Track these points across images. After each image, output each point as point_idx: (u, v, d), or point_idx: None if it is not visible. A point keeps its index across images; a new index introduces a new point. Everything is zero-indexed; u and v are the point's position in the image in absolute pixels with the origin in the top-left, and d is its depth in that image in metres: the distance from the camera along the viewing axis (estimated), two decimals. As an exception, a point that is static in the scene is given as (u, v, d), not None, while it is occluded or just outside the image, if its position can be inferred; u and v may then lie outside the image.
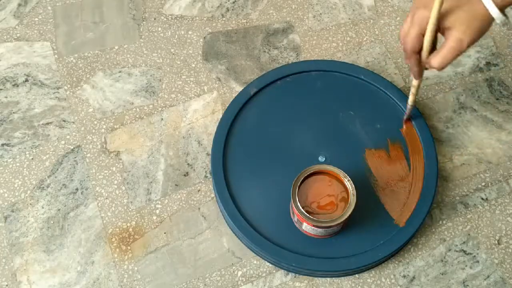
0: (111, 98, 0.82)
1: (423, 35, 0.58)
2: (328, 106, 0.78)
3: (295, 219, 0.68)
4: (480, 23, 0.56)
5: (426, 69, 0.62)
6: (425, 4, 0.57)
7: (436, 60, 0.59)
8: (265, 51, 0.86)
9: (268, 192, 0.73)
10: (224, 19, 0.89)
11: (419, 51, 0.60)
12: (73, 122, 0.80)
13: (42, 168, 0.77)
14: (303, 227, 0.68)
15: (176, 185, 0.76)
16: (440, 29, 0.58)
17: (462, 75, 0.84)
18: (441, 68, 0.59)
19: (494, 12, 0.55)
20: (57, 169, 0.77)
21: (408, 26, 0.59)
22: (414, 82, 0.67)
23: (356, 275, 0.71)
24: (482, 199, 0.75)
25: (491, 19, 0.56)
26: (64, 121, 0.80)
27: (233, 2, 0.90)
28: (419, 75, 0.64)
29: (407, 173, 0.73)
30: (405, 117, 0.75)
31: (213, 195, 0.75)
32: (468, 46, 0.57)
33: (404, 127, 0.76)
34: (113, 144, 0.79)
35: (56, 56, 0.85)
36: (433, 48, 0.60)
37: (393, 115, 0.77)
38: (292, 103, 0.78)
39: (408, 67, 0.63)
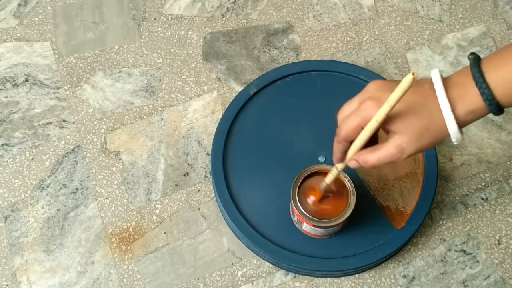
0: (111, 98, 0.82)
1: (362, 128, 0.51)
2: (328, 106, 0.78)
3: (295, 219, 0.68)
4: (431, 137, 0.50)
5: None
6: (377, 96, 0.50)
7: (370, 157, 0.52)
8: (265, 51, 0.86)
9: (268, 192, 0.73)
10: (224, 19, 0.89)
11: (350, 141, 0.54)
12: (73, 122, 0.80)
13: (42, 168, 0.77)
14: (303, 227, 0.68)
15: (176, 185, 0.76)
16: (384, 128, 0.51)
17: (462, 75, 0.84)
18: (370, 167, 0.53)
19: (453, 130, 0.48)
20: (57, 169, 0.77)
21: (350, 113, 0.52)
22: (340, 166, 0.58)
23: (356, 275, 0.71)
24: (482, 199, 0.75)
25: (446, 135, 0.49)
26: (64, 121, 0.80)
27: (233, 2, 0.90)
28: (341, 161, 0.57)
29: (407, 173, 0.73)
30: (321, 193, 0.64)
31: (213, 195, 0.75)
32: (408, 157, 0.51)
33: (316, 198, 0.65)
34: (113, 144, 0.79)
35: (56, 56, 0.85)
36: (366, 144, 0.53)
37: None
38: (292, 103, 0.78)
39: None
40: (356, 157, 0.54)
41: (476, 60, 0.48)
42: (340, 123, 0.54)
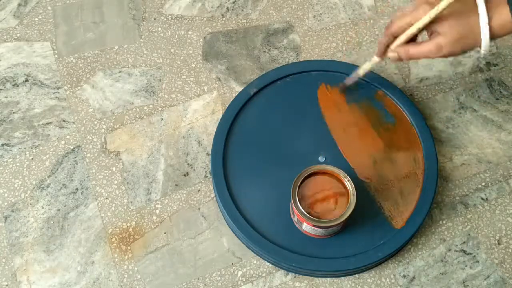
0: (111, 98, 0.82)
1: (411, 25, 0.60)
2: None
3: (295, 219, 0.68)
4: (465, 43, 0.58)
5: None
6: (431, 1, 0.58)
7: (410, 49, 0.61)
8: (265, 51, 0.86)
9: (268, 192, 0.73)
10: (224, 19, 0.89)
11: (396, 36, 0.62)
12: (73, 122, 0.80)
13: (42, 168, 0.77)
14: (303, 227, 0.68)
15: (176, 185, 0.76)
16: (428, 29, 0.60)
17: (462, 75, 0.84)
18: (407, 57, 0.61)
19: (485, 42, 0.57)
20: (57, 169, 0.77)
21: (404, 14, 0.61)
22: (375, 59, 0.67)
23: (356, 275, 0.71)
24: (482, 199, 0.75)
25: (478, 43, 0.58)
26: (64, 121, 0.80)
27: (233, 2, 0.90)
28: (382, 54, 0.66)
29: (407, 173, 0.73)
30: (346, 82, 0.75)
31: (213, 195, 0.75)
32: (442, 57, 0.59)
33: (339, 88, 0.76)
34: (113, 144, 0.79)
35: (56, 56, 0.85)
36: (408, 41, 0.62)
37: (393, 116, 0.77)
38: (292, 103, 0.78)
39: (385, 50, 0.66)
40: (398, 49, 0.62)
41: None
42: (393, 19, 0.62)
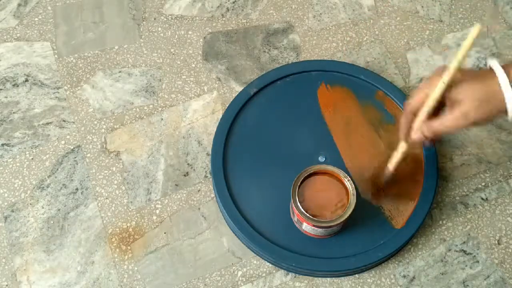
0: (111, 98, 0.82)
1: (427, 96, 0.56)
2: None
3: (295, 219, 0.68)
4: (491, 108, 0.53)
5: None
6: (442, 71, 0.56)
7: (434, 123, 0.56)
8: (265, 51, 0.86)
9: (268, 192, 0.73)
10: (224, 19, 0.89)
11: (415, 113, 0.57)
12: (73, 122, 0.80)
13: (42, 168, 0.77)
14: (303, 227, 0.68)
15: (176, 185, 0.76)
16: (448, 100, 0.55)
17: (462, 75, 0.84)
18: (432, 134, 0.56)
19: (510, 103, 0.52)
20: (57, 169, 0.77)
21: (420, 87, 0.57)
22: (403, 145, 0.62)
23: (356, 275, 0.71)
24: (482, 199, 0.75)
25: (503, 109, 0.53)
26: (64, 121, 0.80)
27: (233, 2, 0.90)
28: (407, 138, 0.60)
29: (407, 173, 0.73)
30: (384, 183, 0.70)
31: (213, 195, 0.75)
32: (470, 124, 0.54)
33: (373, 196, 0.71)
34: (113, 144, 0.79)
35: (56, 56, 0.85)
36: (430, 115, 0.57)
37: (393, 116, 0.77)
38: (292, 103, 0.78)
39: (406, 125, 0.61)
40: (421, 127, 0.57)
41: None
42: (411, 94, 0.58)
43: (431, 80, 0.56)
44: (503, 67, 0.54)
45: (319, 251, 0.69)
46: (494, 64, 0.54)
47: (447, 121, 0.55)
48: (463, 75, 0.54)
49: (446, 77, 0.54)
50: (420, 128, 0.57)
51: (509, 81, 0.52)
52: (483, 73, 0.55)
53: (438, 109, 0.57)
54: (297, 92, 0.79)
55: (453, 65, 0.54)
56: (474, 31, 0.53)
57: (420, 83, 0.58)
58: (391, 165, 0.65)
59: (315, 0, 0.90)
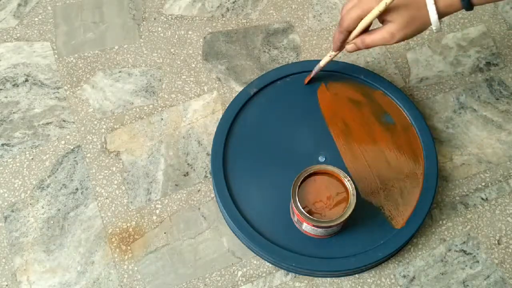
0: (111, 98, 0.82)
1: (361, 19, 0.63)
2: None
3: (295, 219, 0.68)
4: (416, 25, 0.61)
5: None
6: None
7: (366, 38, 0.63)
8: (265, 51, 0.86)
9: (268, 192, 0.73)
10: (224, 19, 0.89)
11: (350, 30, 0.65)
12: (73, 122, 0.80)
13: (42, 168, 0.77)
14: (303, 227, 0.68)
15: (176, 185, 0.76)
16: (380, 18, 0.62)
17: (462, 75, 0.84)
18: (364, 47, 0.64)
19: (434, 20, 0.60)
20: (57, 169, 0.77)
21: (352, 6, 0.63)
22: (333, 53, 0.70)
23: (356, 275, 0.71)
24: (482, 199, 0.75)
25: (428, 24, 0.61)
26: (64, 121, 0.80)
27: (233, 2, 0.90)
28: (340, 49, 0.68)
29: (407, 173, 0.73)
30: (310, 76, 0.78)
31: (213, 195, 0.75)
32: (397, 42, 0.62)
33: (305, 81, 0.79)
34: (113, 144, 0.79)
35: (56, 56, 0.85)
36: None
37: (393, 115, 0.77)
38: (292, 103, 0.78)
39: (342, 44, 0.68)
40: (354, 40, 0.65)
41: None
42: (342, 15, 0.64)
43: (364, 2, 0.62)
44: None
45: (319, 251, 0.69)
46: None
47: (377, 38, 0.63)
48: (397, 1, 0.60)
49: (382, 6, 0.59)
50: (354, 42, 0.65)
51: (434, 0, 0.59)
52: None
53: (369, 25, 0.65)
54: (297, 92, 0.79)
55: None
56: None
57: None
58: (322, 62, 0.73)
59: (315, 0, 0.90)
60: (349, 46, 0.66)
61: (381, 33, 0.63)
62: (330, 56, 0.71)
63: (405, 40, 0.64)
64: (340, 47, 0.68)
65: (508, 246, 0.72)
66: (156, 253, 0.72)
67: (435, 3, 0.60)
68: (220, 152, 0.74)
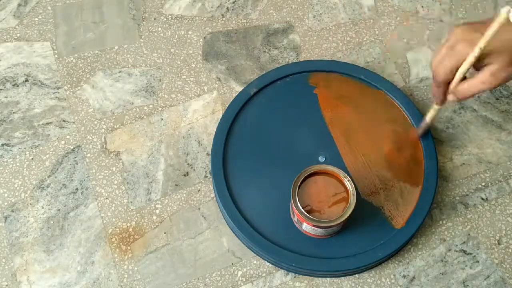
0: (111, 98, 0.82)
1: (457, 68, 0.58)
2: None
3: (295, 219, 0.68)
4: None
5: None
6: (468, 39, 0.57)
7: (464, 86, 0.59)
8: (265, 51, 0.86)
9: (268, 192, 0.73)
10: (224, 19, 0.89)
11: (449, 82, 0.61)
12: (73, 122, 0.80)
13: (42, 168, 0.77)
14: (303, 227, 0.68)
15: (176, 185, 0.76)
16: (477, 65, 0.58)
17: (462, 75, 0.84)
18: (464, 97, 0.60)
19: None
20: (57, 169, 0.77)
21: (443, 56, 0.59)
22: (436, 107, 0.67)
23: (356, 275, 0.71)
24: (482, 199, 0.75)
25: None
26: (64, 121, 0.80)
27: (233, 2, 0.90)
28: (442, 103, 0.65)
29: (407, 173, 0.73)
30: (419, 133, 0.74)
31: (213, 195, 0.75)
32: (500, 84, 0.57)
33: (417, 137, 0.75)
34: (113, 144, 0.79)
35: (56, 56, 0.85)
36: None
37: (393, 115, 0.77)
38: (292, 103, 0.78)
39: (431, 92, 0.66)
40: (454, 90, 0.60)
41: None
42: (434, 68, 0.61)
43: (458, 49, 0.58)
44: None
45: (319, 251, 0.69)
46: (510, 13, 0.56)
47: (478, 80, 0.58)
48: (493, 45, 0.56)
49: (482, 43, 0.55)
50: (454, 93, 0.61)
51: None
52: (508, 33, 0.56)
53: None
54: (297, 92, 0.79)
55: (483, 42, 0.55)
56: (502, 15, 0.53)
57: (440, 51, 0.60)
58: (429, 118, 0.70)
59: (315, 0, 0.90)
60: (451, 98, 0.62)
61: (482, 76, 0.58)
62: (435, 110, 0.68)
63: (506, 83, 0.59)
64: (443, 100, 0.64)
65: (508, 246, 0.72)
66: (156, 253, 0.72)
67: None
68: (220, 152, 0.74)
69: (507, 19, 0.53)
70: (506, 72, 0.57)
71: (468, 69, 0.58)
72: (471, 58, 0.57)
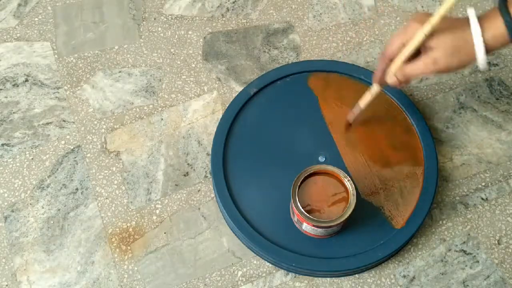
0: (111, 98, 0.82)
1: (404, 45, 0.59)
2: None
3: (295, 219, 0.68)
4: (461, 56, 0.57)
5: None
6: (421, 19, 0.58)
7: (406, 68, 0.59)
8: (265, 51, 0.86)
9: (268, 192, 0.73)
10: (224, 19, 0.89)
11: (392, 59, 0.60)
12: (73, 122, 0.80)
13: (42, 168, 0.77)
14: (303, 227, 0.68)
15: (176, 185, 0.76)
16: (423, 47, 0.58)
17: (462, 75, 0.84)
18: (404, 78, 0.59)
19: (480, 51, 0.56)
20: (57, 169, 0.77)
21: (396, 35, 0.60)
22: (375, 88, 0.66)
23: (356, 275, 0.71)
24: (482, 199, 0.75)
25: (473, 57, 0.57)
26: (64, 121, 0.80)
27: (233, 2, 0.90)
28: (380, 81, 0.64)
29: (407, 173, 0.73)
30: (349, 118, 0.72)
31: (213, 195, 0.75)
32: (439, 71, 0.57)
33: (349, 122, 0.73)
34: (113, 144, 0.79)
35: (56, 56, 0.85)
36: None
37: (393, 115, 0.77)
38: (292, 103, 0.78)
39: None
40: (394, 71, 0.60)
41: (503, 0, 0.56)
42: (386, 47, 0.61)
43: (410, 28, 0.58)
44: (479, 18, 0.56)
45: (319, 251, 0.69)
46: (471, 13, 0.57)
47: (418, 66, 0.58)
48: (441, 27, 0.57)
49: (427, 29, 0.56)
50: (395, 73, 0.60)
51: (481, 32, 0.55)
52: (459, 23, 0.57)
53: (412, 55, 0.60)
54: (297, 92, 0.79)
55: (435, 19, 0.56)
56: None
57: (397, 32, 0.60)
58: (362, 103, 0.69)
59: (315, 0, 0.90)
60: (390, 80, 0.61)
61: (424, 61, 0.58)
62: (372, 92, 0.66)
63: (448, 73, 0.58)
64: (381, 79, 0.63)
65: (508, 246, 0.72)
66: (156, 253, 0.72)
67: (482, 35, 0.55)
68: (220, 152, 0.74)
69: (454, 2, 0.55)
70: (447, 60, 0.57)
71: (414, 48, 0.58)
72: (420, 35, 0.57)
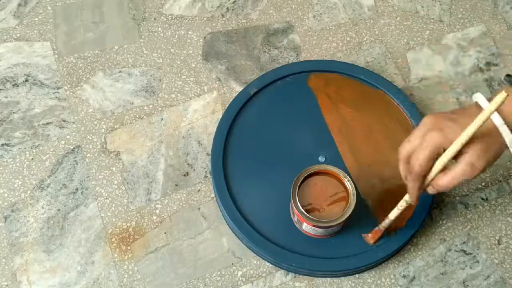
0: (111, 98, 0.82)
1: (433, 159, 0.55)
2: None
3: (295, 219, 0.68)
4: (494, 149, 0.54)
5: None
6: (439, 127, 0.54)
7: (444, 180, 0.55)
8: (265, 51, 0.86)
9: (268, 192, 0.73)
10: (224, 19, 0.89)
11: (424, 176, 0.57)
12: (73, 122, 0.80)
13: (42, 168, 0.77)
14: (303, 227, 0.68)
15: (176, 185, 0.76)
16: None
17: (462, 75, 0.84)
18: (445, 189, 0.56)
19: (508, 139, 0.53)
20: (57, 169, 0.77)
21: (414, 147, 0.55)
22: (403, 205, 0.62)
23: (356, 275, 0.71)
24: (482, 199, 0.75)
25: (503, 145, 0.54)
26: (64, 121, 0.80)
27: (233, 2, 0.90)
28: (417, 199, 0.59)
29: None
30: (378, 234, 0.66)
31: (213, 195, 0.75)
32: (480, 172, 0.54)
33: (370, 237, 0.66)
34: (113, 144, 0.79)
35: (56, 56, 0.85)
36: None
37: (393, 115, 0.77)
38: (292, 103, 0.78)
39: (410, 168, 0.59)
40: (433, 183, 0.56)
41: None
42: (404, 158, 0.57)
43: (429, 137, 0.54)
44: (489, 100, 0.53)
45: (319, 251, 0.69)
46: (482, 102, 0.54)
47: (456, 173, 0.54)
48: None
49: (463, 139, 0.52)
50: (438, 189, 0.57)
51: (504, 121, 0.53)
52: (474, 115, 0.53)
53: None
54: (298, 92, 0.79)
55: (472, 128, 0.52)
56: (499, 98, 0.50)
57: (413, 136, 0.57)
58: (392, 216, 0.64)
59: (315, 0, 0.90)
60: (431, 191, 0.58)
61: (460, 168, 0.54)
62: (401, 207, 0.62)
63: (486, 170, 0.55)
64: (418, 196, 0.59)
65: (508, 246, 0.72)
66: (156, 253, 0.72)
67: (505, 122, 0.53)
68: (220, 152, 0.74)
69: (502, 102, 0.51)
70: (484, 160, 0.53)
71: (449, 158, 0.54)
72: (452, 151, 0.53)
